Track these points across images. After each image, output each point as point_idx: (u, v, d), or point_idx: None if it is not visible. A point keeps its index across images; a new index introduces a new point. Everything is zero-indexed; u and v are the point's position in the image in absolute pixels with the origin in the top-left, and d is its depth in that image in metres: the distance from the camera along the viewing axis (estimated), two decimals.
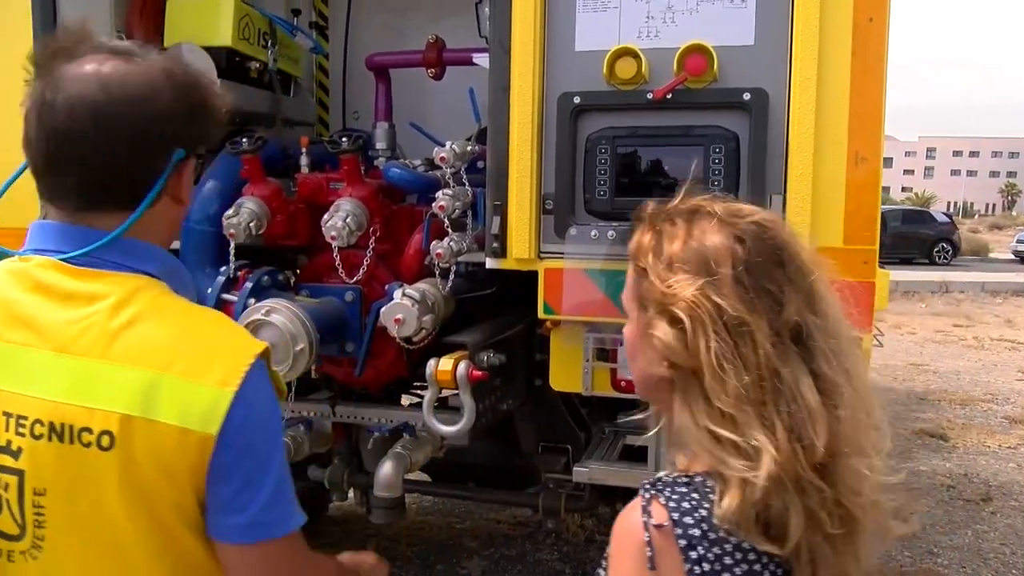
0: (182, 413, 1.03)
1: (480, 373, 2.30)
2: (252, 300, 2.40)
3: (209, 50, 2.63)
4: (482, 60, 2.44)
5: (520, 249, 2.23)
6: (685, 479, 1.01)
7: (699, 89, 2.12)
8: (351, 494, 3.29)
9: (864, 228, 2.09)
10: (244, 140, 2.51)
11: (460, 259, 2.40)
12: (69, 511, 1.07)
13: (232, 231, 2.44)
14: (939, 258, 23.33)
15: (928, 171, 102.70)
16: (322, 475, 3.00)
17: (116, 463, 1.03)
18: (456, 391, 2.33)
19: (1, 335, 1.09)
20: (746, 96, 2.09)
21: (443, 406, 2.43)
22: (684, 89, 2.10)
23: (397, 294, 2.34)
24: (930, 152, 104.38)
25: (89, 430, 1.04)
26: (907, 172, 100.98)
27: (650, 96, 2.11)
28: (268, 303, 2.33)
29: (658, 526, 0.98)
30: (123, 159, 1.08)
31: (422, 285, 2.40)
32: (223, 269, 2.52)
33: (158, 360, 1.05)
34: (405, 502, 2.85)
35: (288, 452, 2.69)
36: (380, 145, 2.85)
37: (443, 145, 2.36)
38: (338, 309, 2.54)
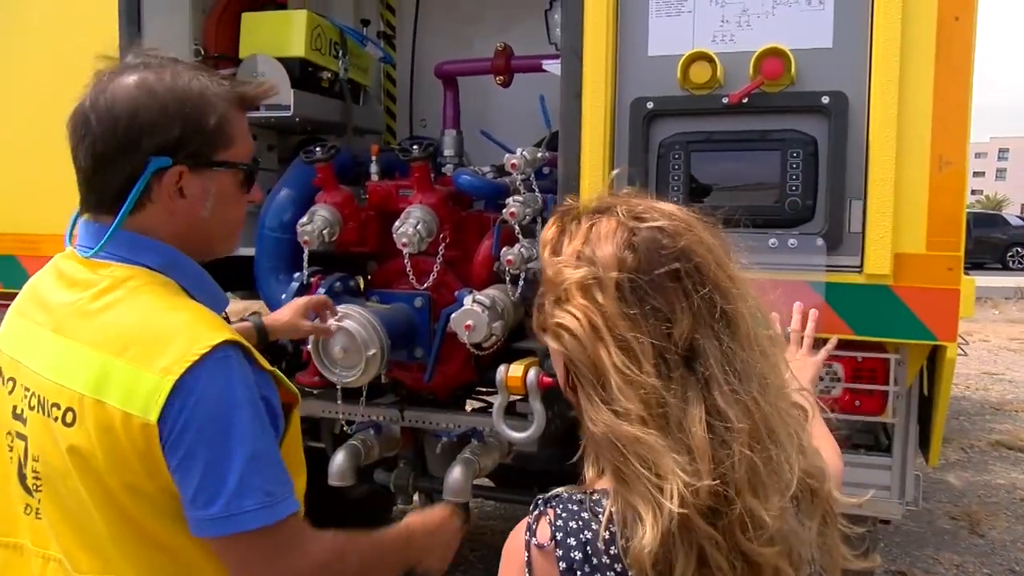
0: (126, 398, 1.07)
1: (550, 380, 2.29)
2: None
3: (283, 61, 2.69)
4: (552, 67, 2.44)
5: None
6: (579, 496, 0.93)
7: (776, 93, 2.08)
8: (416, 497, 3.32)
9: (948, 234, 2.02)
10: (317, 149, 2.57)
11: (530, 265, 2.40)
12: (49, 479, 1.15)
13: (307, 238, 2.49)
14: (1013, 263, 22.45)
15: (1000, 173, 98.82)
16: (388, 478, 3.02)
17: (75, 439, 1.09)
18: (524, 397, 2.33)
19: (29, 315, 1.21)
20: (825, 100, 2.04)
21: (510, 412, 2.44)
22: (760, 93, 2.07)
23: (467, 300, 2.35)
24: (1002, 153, 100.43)
25: (58, 405, 1.11)
26: (977, 174, 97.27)
27: (725, 100, 2.08)
28: (341, 309, 2.37)
29: (539, 546, 0.91)
30: (96, 164, 1.16)
31: (492, 291, 2.41)
32: (296, 275, 2.58)
33: (116, 344, 1.10)
34: (469, 506, 2.86)
35: (358, 455, 2.72)
36: (448, 152, 2.87)
37: (513, 152, 2.37)
38: (408, 315, 2.57)
